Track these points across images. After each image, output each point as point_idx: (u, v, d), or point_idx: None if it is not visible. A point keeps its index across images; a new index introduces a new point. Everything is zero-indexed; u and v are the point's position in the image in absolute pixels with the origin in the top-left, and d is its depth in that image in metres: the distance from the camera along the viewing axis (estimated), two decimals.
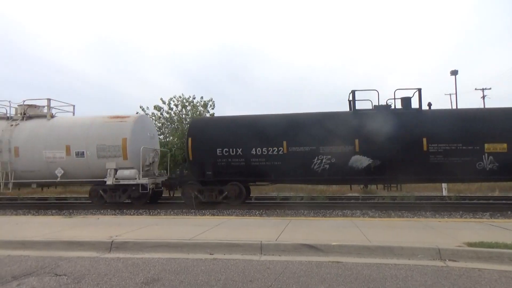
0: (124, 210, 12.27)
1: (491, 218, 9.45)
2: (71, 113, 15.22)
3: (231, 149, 12.22)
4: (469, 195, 15.86)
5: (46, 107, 14.49)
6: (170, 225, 8.21)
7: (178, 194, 14.12)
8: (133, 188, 12.64)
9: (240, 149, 12.18)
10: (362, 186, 13.42)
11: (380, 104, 12.39)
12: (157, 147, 15.16)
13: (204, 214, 11.13)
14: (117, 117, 13.48)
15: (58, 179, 13.01)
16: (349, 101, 12.78)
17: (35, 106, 14.37)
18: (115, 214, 11.39)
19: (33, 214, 11.90)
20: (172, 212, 11.73)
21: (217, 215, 10.81)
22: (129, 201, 13.10)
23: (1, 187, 13.46)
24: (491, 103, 43.66)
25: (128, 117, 13.52)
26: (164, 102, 24.41)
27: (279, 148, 11.98)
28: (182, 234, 6.71)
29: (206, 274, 4.61)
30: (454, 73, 33.21)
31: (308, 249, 5.62)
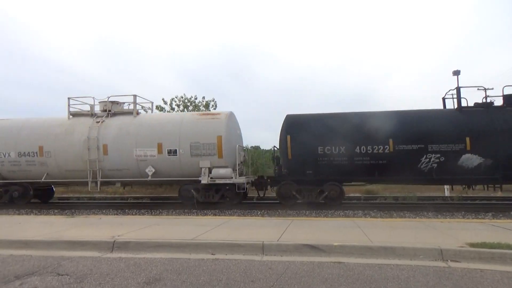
0: (126, 210, 12.30)
1: (494, 219, 9.42)
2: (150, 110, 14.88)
3: (333, 147, 11.84)
4: (471, 195, 15.82)
5: (124, 104, 14.13)
6: (172, 225, 8.22)
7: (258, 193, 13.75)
8: (227, 187, 12.36)
9: (344, 147, 11.79)
10: (465, 187, 13.00)
11: (483, 101, 12.04)
12: (243, 144, 14.75)
13: (205, 214, 11.14)
14: (207, 114, 13.18)
15: (149, 178, 12.63)
16: (443, 99, 12.66)
17: (117, 103, 13.97)
18: (117, 214, 11.41)
19: (35, 214, 11.93)
20: (174, 212, 11.75)
21: (219, 215, 10.82)
22: (221, 201, 12.67)
23: (89, 186, 13.15)
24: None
25: (219, 114, 13.10)
26: (165, 103, 24.44)
27: (385, 146, 11.59)
28: (184, 234, 6.73)
29: (208, 274, 4.62)
30: (457, 73, 33.11)
31: (310, 250, 5.62)
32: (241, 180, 12.33)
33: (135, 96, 13.83)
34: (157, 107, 24.04)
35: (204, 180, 12.19)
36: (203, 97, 24.93)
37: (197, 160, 12.36)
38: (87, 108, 14.07)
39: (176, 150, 12.43)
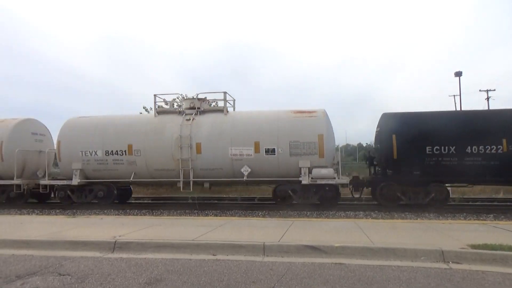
0: (127, 210, 12.30)
1: (495, 220, 9.41)
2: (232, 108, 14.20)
3: (442, 147, 11.40)
4: (473, 197, 15.78)
5: (207, 101, 13.69)
6: (173, 226, 8.23)
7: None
8: (327, 188, 11.91)
9: (453, 147, 11.36)
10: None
11: None
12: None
13: (207, 215, 11.14)
14: (302, 111, 12.53)
15: (245, 178, 12.07)
16: None
17: (203, 100, 13.48)
18: (118, 214, 11.42)
19: (37, 214, 11.95)
20: (175, 213, 11.75)
21: (220, 216, 10.82)
22: (317, 202, 12.19)
23: (181, 187, 12.59)
24: (495, 105, 43.31)
25: (315, 112, 12.46)
26: (166, 103, 24.38)
27: (498, 147, 11.15)
28: (185, 235, 6.73)
29: (209, 274, 4.62)
30: (458, 74, 33.03)
31: (311, 251, 5.62)
32: (344, 180, 11.95)
33: (225, 93, 13.20)
34: (158, 107, 24.03)
35: (305, 180, 11.62)
36: (205, 97, 24.92)
37: (296, 159, 11.87)
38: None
39: (274, 149, 11.96)
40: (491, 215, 10.23)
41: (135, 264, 5.23)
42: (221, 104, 13.43)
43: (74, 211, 12.33)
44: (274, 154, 11.95)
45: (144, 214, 11.51)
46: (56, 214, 11.73)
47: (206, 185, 12.89)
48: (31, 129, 14.78)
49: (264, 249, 5.72)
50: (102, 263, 5.32)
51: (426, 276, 4.46)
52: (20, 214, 11.91)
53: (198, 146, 12.30)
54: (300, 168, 11.75)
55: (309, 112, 12.45)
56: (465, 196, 14.63)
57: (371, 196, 12.87)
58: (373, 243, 5.83)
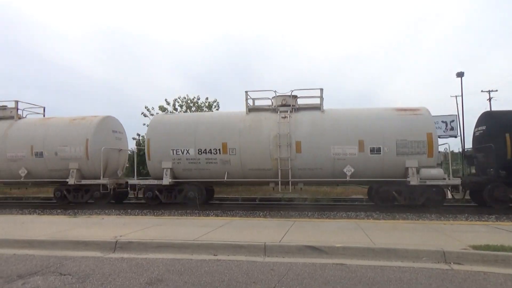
0: (129, 210, 12.32)
1: (497, 221, 9.39)
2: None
3: None
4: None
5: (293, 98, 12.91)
6: (174, 226, 8.24)
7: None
8: (433, 189, 11.42)
9: None
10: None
11: None
12: None
13: (208, 215, 11.14)
14: (406, 109, 12.02)
15: (348, 178, 11.60)
16: None
17: (295, 97, 12.81)
18: (119, 214, 11.43)
19: (38, 214, 11.99)
20: (176, 213, 11.76)
21: (221, 216, 10.82)
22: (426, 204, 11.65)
23: (279, 187, 12.17)
24: (498, 106, 43.22)
25: (419, 109, 12.02)
26: (168, 103, 24.49)
27: None
28: (186, 235, 6.73)
29: (210, 275, 4.62)
30: (460, 75, 32.98)
31: (312, 251, 5.61)
32: (456, 181, 11.35)
33: (321, 89, 12.59)
34: (160, 108, 24.12)
35: (414, 181, 11.11)
36: (206, 98, 24.99)
37: (402, 159, 11.39)
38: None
39: (380, 148, 11.45)
40: (493, 216, 10.20)
41: (136, 264, 5.23)
42: (313, 101, 12.78)
43: (76, 211, 12.36)
44: (379, 153, 11.47)
45: (145, 214, 11.53)
46: (58, 214, 11.77)
47: (300, 185, 12.35)
48: (112, 126, 14.44)
49: (265, 250, 5.72)
50: (103, 263, 5.33)
51: (428, 277, 4.44)
52: (22, 214, 11.95)
53: (298, 145, 11.81)
54: (407, 168, 11.29)
55: (413, 110, 12.01)
56: (467, 197, 14.55)
57: (469, 198, 12.36)
58: (374, 244, 5.82)
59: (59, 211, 12.55)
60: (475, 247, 5.45)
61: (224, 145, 12.16)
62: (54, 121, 14.10)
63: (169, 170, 12.40)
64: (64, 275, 4.70)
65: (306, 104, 12.76)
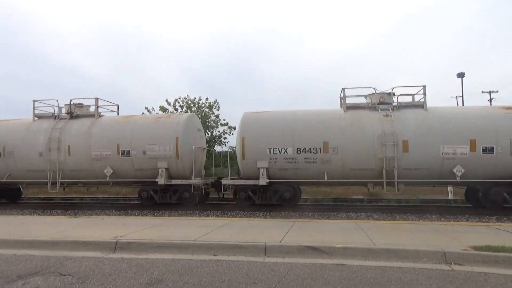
0: (129, 211, 12.31)
1: (498, 222, 9.38)
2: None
3: None
4: None
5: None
6: (175, 226, 8.23)
7: None
8: None
9: None
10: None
11: None
12: None
13: (208, 215, 11.14)
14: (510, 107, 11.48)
15: (458, 179, 11.11)
16: None
17: (392, 94, 12.30)
18: (119, 215, 11.44)
19: (38, 214, 11.99)
20: (176, 213, 11.76)
21: (222, 216, 10.82)
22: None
23: (384, 188, 11.76)
24: None
25: None
26: (169, 104, 24.50)
27: None
28: (186, 235, 6.73)
29: (210, 275, 4.62)
30: (461, 75, 32.96)
31: (312, 251, 5.60)
32: None
33: (424, 87, 12.12)
34: (160, 108, 24.14)
35: None
36: (207, 98, 24.99)
37: None
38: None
39: (492, 147, 10.98)
40: (494, 217, 10.19)
41: (136, 264, 5.23)
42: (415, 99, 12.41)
43: (76, 211, 12.36)
44: (492, 153, 10.99)
45: (146, 215, 11.53)
46: (58, 215, 11.77)
47: (402, 186, 11.84)
48: (196, 125, 14.13)
49: (265, 250, 5.72)
50: (103, 263, 5.32)
51: (428, 278, 4.44)
52: (22, 214, 11.95)
53: (405, 144, 11.30)
54: None
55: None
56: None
57: None
58: (374, 244, 5.81)
59: (59, 211, 12.55)
60: (475, 248, 5.44)
61: (325, 144, 11.66)
62: (138, 119, 13.69)
63: (265, 169, 11.92)
64: (64, 275, 4.70)
65: (408, 102, 12.33)
